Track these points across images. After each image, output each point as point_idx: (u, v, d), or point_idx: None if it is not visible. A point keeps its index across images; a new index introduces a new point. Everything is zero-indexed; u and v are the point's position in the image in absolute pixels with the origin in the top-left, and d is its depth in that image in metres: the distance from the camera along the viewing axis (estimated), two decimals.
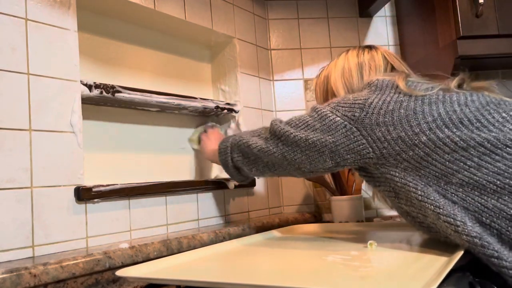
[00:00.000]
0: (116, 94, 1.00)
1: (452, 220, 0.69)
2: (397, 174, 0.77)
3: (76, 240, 0.88)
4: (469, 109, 0.75)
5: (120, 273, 0.70)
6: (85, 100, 0.96)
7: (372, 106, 0.79)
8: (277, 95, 1.55)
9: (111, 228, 0.96)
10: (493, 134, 0.71)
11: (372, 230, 1.12)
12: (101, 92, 0.97)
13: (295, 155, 0.85)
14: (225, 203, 1.28)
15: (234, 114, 1.35)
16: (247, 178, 1.05)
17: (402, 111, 0.76)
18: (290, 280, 0.64)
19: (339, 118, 0.81)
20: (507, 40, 1.31)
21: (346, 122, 0.80)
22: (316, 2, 1.60)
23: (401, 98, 0.79)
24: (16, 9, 0.84)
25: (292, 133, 0.85)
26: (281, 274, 0.69)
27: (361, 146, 0.79)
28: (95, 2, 1.05)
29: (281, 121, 0.90)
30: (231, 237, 1.07)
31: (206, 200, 1.22)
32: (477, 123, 0.73)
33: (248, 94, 1.41)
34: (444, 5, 1.35)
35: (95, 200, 0.92)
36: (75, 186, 0.89)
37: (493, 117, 0.73)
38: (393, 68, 0.96)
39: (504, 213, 0.67)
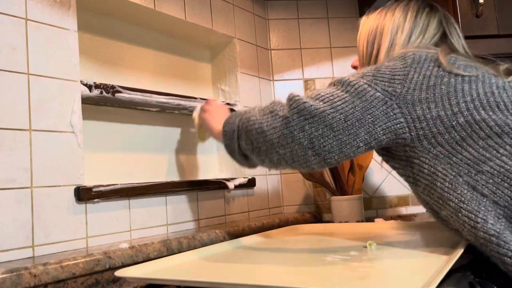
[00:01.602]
0: (116, 94, 1.00)
1: (473, 216, 0.66)
2: (427, 161, 0.71)
3: (76, 240, 0.88)
4: (507, 93, 0.72)
5: (119, 273, 0.70)
6: (85, 100, 0.96)
7: (413, 81, 0.73)
8: (277, 95, 1.55)
9: (111, 228, 0.96)
10: None
11: (371, 230, 1.12)
12: (101, 92, 0.97)
13: (325, 140, 0.72)
14: (225, 203, 1.28)
15: None
16: (256, 165, 0.90)
17: (444, 87, 0.72)
18: (289, 280, 0.64)
19: (379, 94, 0.73)
20: (507, 40, 1.31)
21: (387, 98, 0.72)
22: (316, 2, 1.60)
23: (441, 73, 0.73)
24: (16, 9, 0.84)
25: (327, 112, 0.72)
26: (281, 274, 0.69)
27: (399, 125, 0.72)
28: (95, 2, 1.05)
29: (303, 97, 0.76)
30: (231, 237, 1.07)
31: (206, 200, 1.22)
32: None
33: (248, 94, 1.41)
34: (444, 5, 1.35)
35: (95, 200, 0.92)
36: (75, 186, 0.89)
37: None
38: (443, 35, 0.88)
39: None
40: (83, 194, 0.89)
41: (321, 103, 0.74)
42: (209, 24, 1.30)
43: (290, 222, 1.32)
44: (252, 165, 0.90)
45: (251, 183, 1.34)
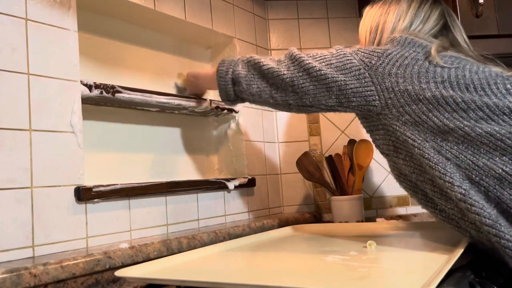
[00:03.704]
0: (116, 94, 1.00)
1: (442, 176, 0.71)
2: (398, 128, 0.78)
3: (76, 240, 0.88)
4: (478, 76, 0.77)
5: (119, 273, 0.70)
6: (85, 100, 0.96)
7: (389, 57, 0.82)
8: None
9: (111, 228, 0.96)
10: (494, 100, 0.73)
11: (371, 230, 1.13)
12: (101, 92, 0.97)
13: (303, 82, 0.86)
14: (225, 203, 1.28)
15: (234, 114, 1.35)
16: (237, 98, 1.01)
17: (416, 67, 0.80)
18: (289, 280, 0.64)
19: (355, 61, 0.84)
20: (507, 40, 1.31)
21: (361, 66, 0.83)
22: (316, 2, 1.60)
23: (419, 57, 0.82)
24: (16, 9, 0.84)
25: (307, 60, 0.87)
26: (281, 274, 0.69)
27: (369, 92, 0.81)
28: (95, 2, 1.05)
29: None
30: (231, 237, 1.07)
31: (206, 200, 1.22)
32: (481, 91, 0.75)
33: None
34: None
35: (95, 200, 0.92)
36: (75, 186, 0.89)
37: (497, 88, 0.76)
38: (444, 28, 0.95)
39: (493, 172, 0.69)
40: (83, 194, 0.89)
41: (306, 55, 0.88)
42: (209, 24, 1.30)
43: (290, 222, 1.32)
44: (235, 93, 1.00)
45: (251, 183, 1.34)
